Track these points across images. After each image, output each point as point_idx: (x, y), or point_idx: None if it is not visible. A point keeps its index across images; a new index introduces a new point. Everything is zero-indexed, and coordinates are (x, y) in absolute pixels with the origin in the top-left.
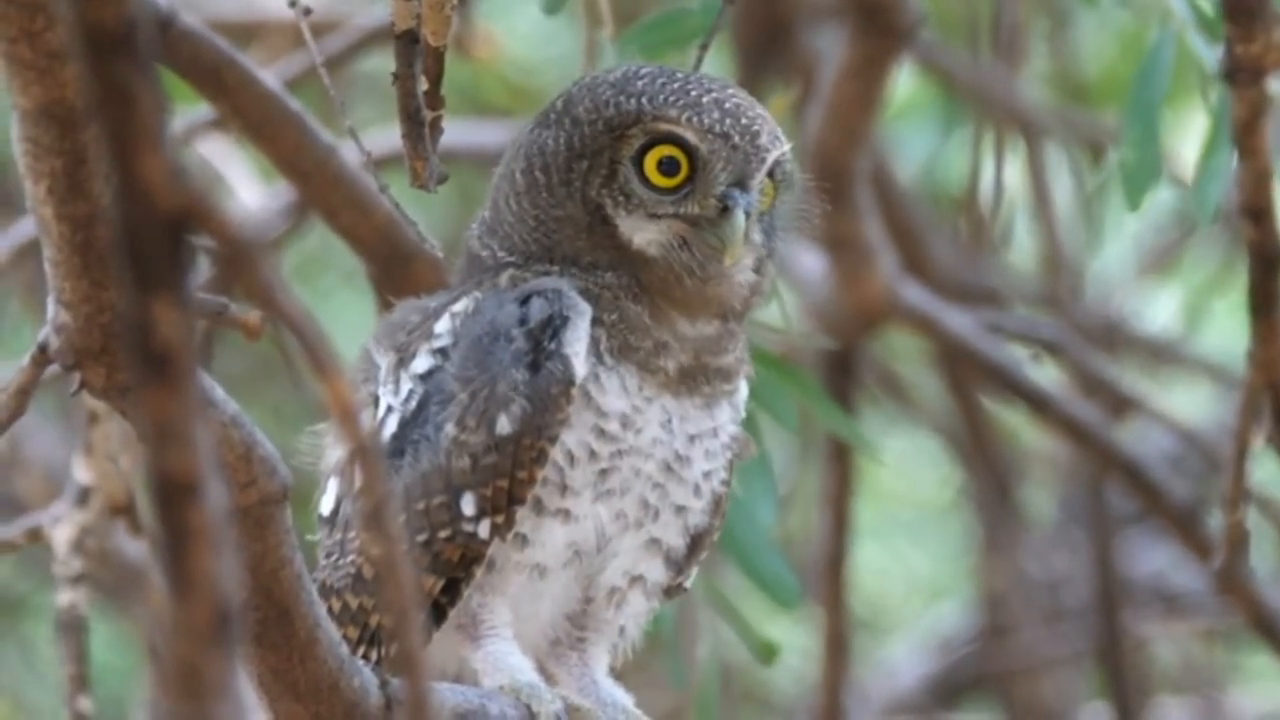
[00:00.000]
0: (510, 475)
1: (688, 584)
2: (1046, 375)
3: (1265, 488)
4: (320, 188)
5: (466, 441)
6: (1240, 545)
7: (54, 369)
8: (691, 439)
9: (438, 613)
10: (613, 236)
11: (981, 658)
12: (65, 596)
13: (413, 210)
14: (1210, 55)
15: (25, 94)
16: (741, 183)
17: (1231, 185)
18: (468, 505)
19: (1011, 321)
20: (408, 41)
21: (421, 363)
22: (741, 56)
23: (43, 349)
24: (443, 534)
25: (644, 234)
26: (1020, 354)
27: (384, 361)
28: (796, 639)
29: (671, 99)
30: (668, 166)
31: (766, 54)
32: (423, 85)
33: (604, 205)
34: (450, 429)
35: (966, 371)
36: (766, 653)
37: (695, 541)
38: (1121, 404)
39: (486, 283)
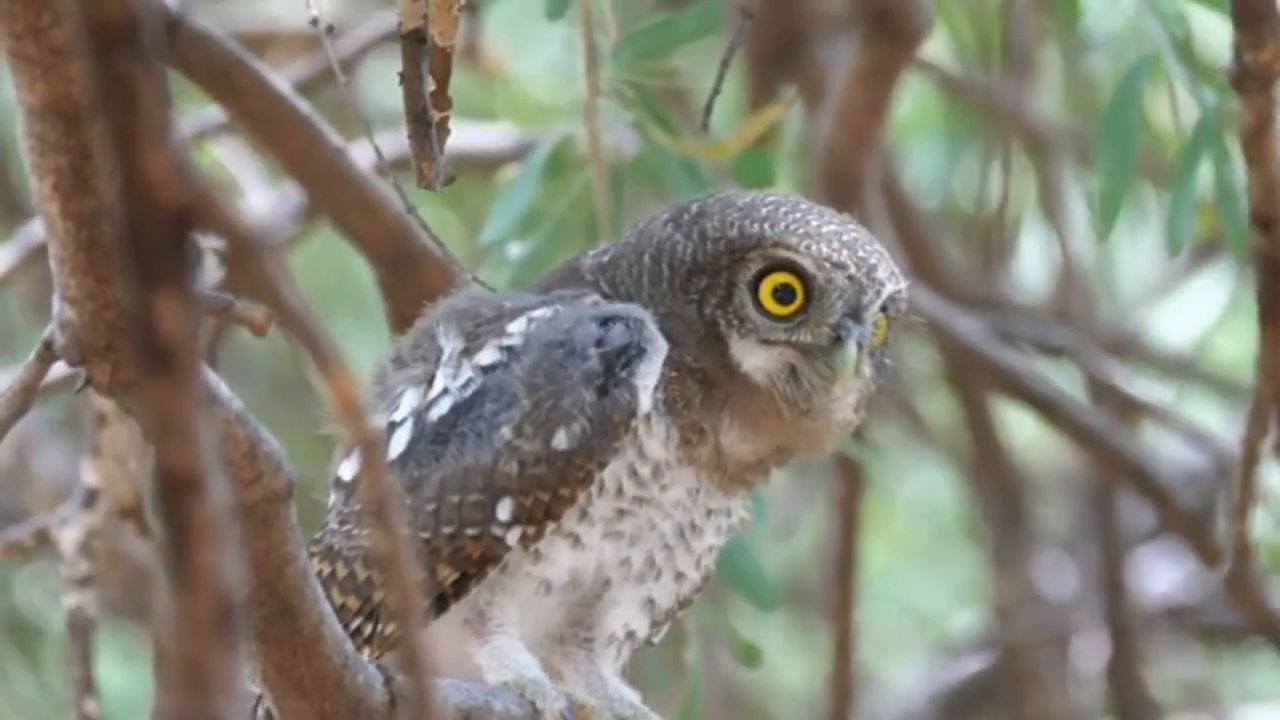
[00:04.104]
0: (554, 490)
1: (654, 640)
2: (1056, 381)
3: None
4: (329, 190)
5: (520, 448)
6: (1248, 552)
7: (60, 367)
8: (709, 513)
9: (441, 604)
10: (723, 355)
11: (991, 675)
12: (72, 598)
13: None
14: (1189, 83)
15: (30, 90)
16: (856, 314)
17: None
18: (503, 510)
19: (1022, 327)
20: (415, 42)
21: (487, 355)
22: (753, 65)
23: (48, 345)
24: (470, 531)
25: (753, 359)
26: (1030, 359)
27: (449, 346)
28: (800, 653)
29: (792, 227)
30: (783, 294)
31: (778, 63)
32: (429, 86)
33: (718, 324)
34: (506, 432)
35: (976, 378)
36: (750, 655)
37: (673, 608)
38: (1131, 410)
39: (570, 298)
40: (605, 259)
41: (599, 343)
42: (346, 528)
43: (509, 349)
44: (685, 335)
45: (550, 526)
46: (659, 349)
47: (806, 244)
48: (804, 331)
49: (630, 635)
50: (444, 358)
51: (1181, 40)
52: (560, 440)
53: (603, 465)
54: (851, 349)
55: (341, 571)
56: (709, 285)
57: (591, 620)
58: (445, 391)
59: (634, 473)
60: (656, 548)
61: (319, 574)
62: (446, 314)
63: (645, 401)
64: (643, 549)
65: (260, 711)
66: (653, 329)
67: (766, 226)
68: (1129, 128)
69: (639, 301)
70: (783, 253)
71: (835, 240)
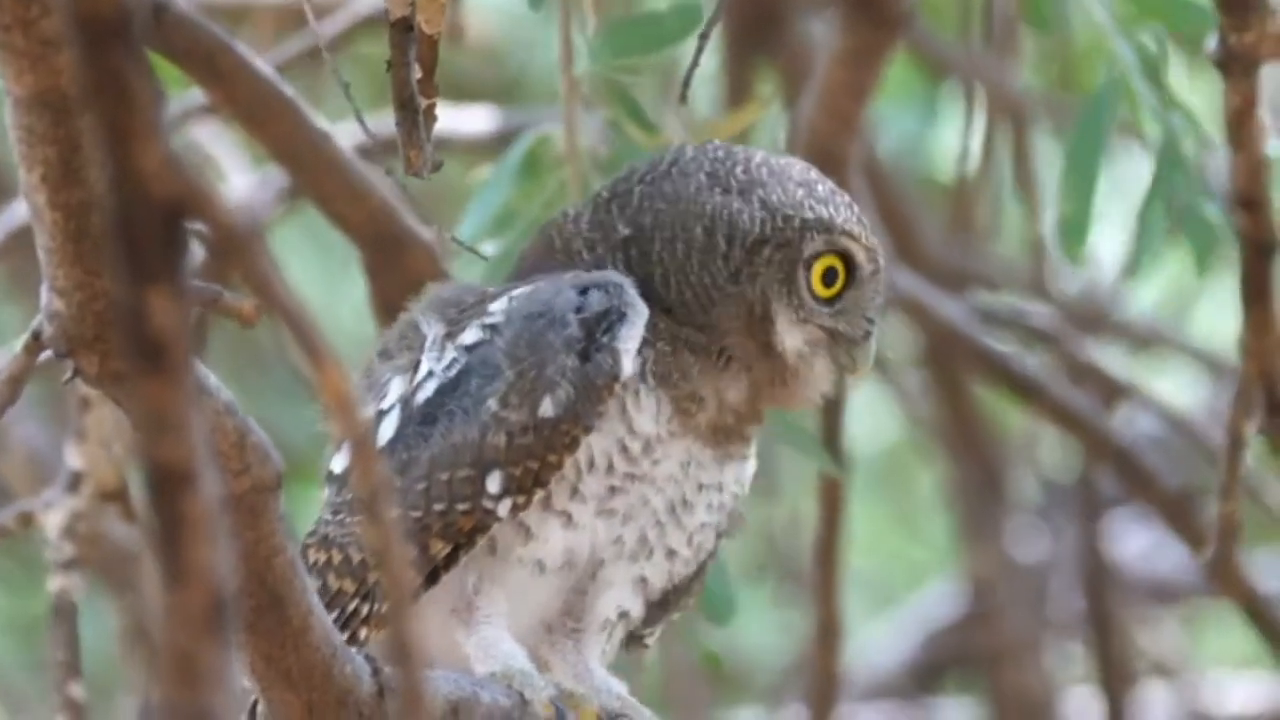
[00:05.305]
0: (541, 458)
1: (649, 641)
2: (1037, 362)
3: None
4: (314, 174)
5: (507, 419)
6: (1232, 536)
7: (47, 356)
8: (701, 488)
9: (433, 577)
10: (767, 333)
11: (965, 641)
12: (57, 582)
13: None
14: (1155, 101)
15: (18, 81)
16: (880, 306)
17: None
18: (493, 483)
19: (1002, 309)
20: (402, 30)
21: (470, 335)
22: (731, 44)
23: (36, 336)
24: (461, 506)
25: (794, 339)
26: (1010, 341)
27: (432, 332)
28: (780, 621)
29: (851, 216)
30: (829, 277)
31: (757, 42)
32: (417, 73)
33: (771, 300)
34: (492, 404)
35: (957, 359)
36: (711, 662)
37: (667, 597)
38: (1112, 391)
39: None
40: (622, 234)
41: (578, 309)
42: (340, 516)
43: (491, 327)
44: (732, 319)
45: (539, 494)
46: (640, 313)
47: (864, 235)
48: (842, 320)
49: (624, 616)
50: (427, 343)
51: (1155, 61)
52: (546, 408)
53: (588, 430)
54: (874, 342)
55: (337, 558)
56: (770, 260)
57: (582, 609)
58: (430, 374)
59: (624, 448)
60: (649, 524)
61: (316, 563)
62: (430, 304)
63: (627, 365)
64: (635, 526)
65: (259, 706)
66: (632, 293)
67: (833, 210)
68: (1093, 154)
69: (670, 279)
70: (846, 241)
71: (873, 231)
